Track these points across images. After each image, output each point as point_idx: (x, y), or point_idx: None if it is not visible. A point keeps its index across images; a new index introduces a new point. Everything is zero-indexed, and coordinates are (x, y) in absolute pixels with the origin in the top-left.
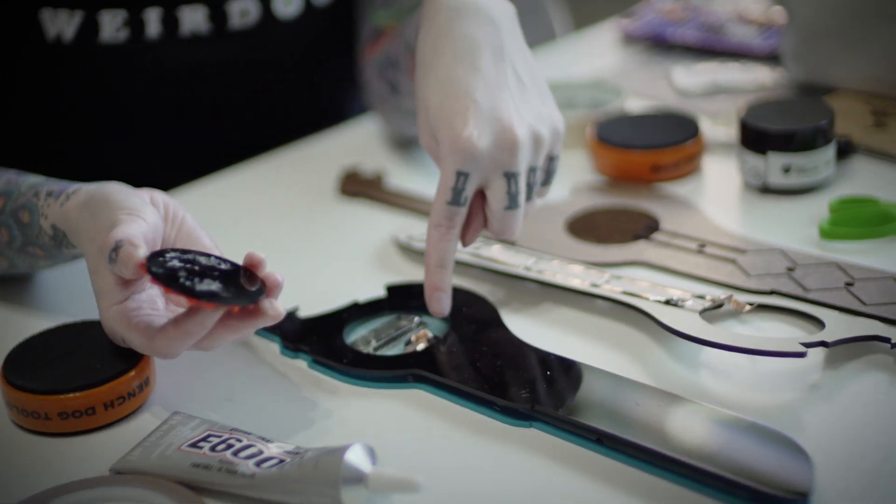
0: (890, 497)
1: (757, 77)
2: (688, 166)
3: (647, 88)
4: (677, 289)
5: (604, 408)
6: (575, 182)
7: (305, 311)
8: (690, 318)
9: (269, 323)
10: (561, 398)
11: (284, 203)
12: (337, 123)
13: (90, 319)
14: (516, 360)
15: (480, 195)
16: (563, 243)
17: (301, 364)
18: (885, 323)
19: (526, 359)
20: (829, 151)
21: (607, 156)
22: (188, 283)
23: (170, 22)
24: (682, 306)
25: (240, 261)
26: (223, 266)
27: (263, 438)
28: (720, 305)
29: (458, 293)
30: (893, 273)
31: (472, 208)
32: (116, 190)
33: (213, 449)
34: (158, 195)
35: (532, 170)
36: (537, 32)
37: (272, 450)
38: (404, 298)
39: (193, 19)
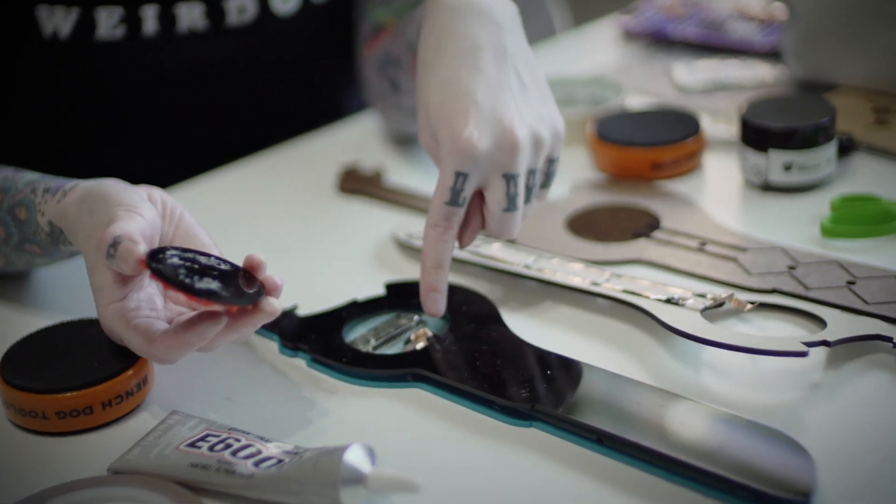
0: (892, 497)
1: (758, 74)
2: (688, 164)
3: (648, 85)
4: (678, 287)
5: (604, 407)
6: (575, 179)
7: (304, 310)
8: (691, 316)
9: (267, 320)
10: (561, 397)
11: (283, 201)
12: (336, 120)
13: (88, 318)
14: (516, 359)
15: (479, 196)
16: (563, 241)
17: (300, 363)
18: (887, 322)
19: (526, 358)
20: (831, 149)
21: (607, 153)
22: (188, 280)
23: (167, 19)
24: (682, 305)
25: (239, 261)
26: (222, 266)
27: (262, 438)
28: (721, 304)
29: (457, 291)
30: (895, 271)
31: (471, 209)
32: (113, 186)
33: (211, 449)
34: (156, 192)
35: (531, 172)
36: (537, 29)
37: (271, 450)
38: (403, 297)
39: (190, 16)
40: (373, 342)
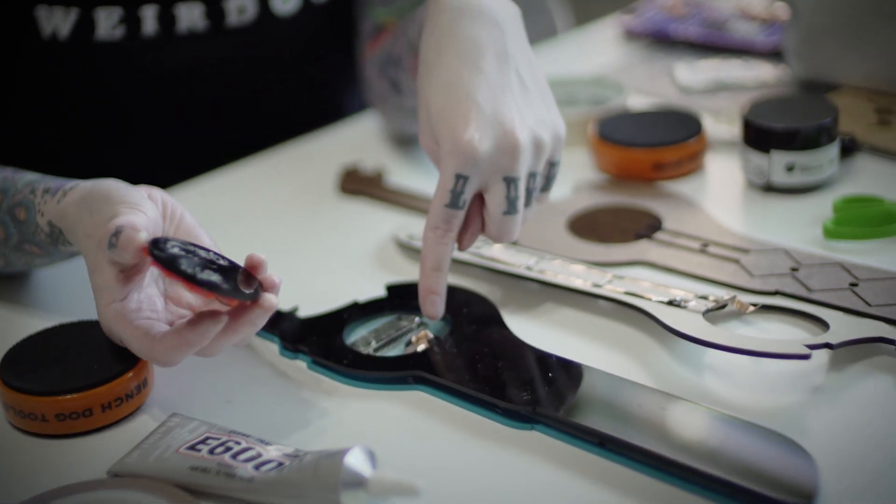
0: (895, 500)
1: (760, 74)
2: (690, 164)
3: (649, 85)
4: (680, 289)
5: (606, 410)
6: (576, 180)
7: (305, 311)
8: (693, 319)
9: (266, 316)
10: (562, 400)
11: (283, 201)
12: (336, 121)
13: (88, 319)
14: (517, 362)
15: (479, 199)
16: (564, 242)
17: (300, 365)
18: (890, 324)
19: (527, 360)
20: (833, 150)
21: (609, 154)
22: (190, 270)
23: (166, 19)
24: (684, 307)
25: (240, 260)
26: (221, 262)
27: (262, 441)
28: (723, 306)
29: (458, 293)
30: None
31: (471, 212)
32: (114, 186)
33: (211, 452)
34: (156, 192)
35: (532, 175)
36: (539, 28)
37: (271, 452)
38: (405, 298)
39: (190, 17)
40: (374, 344)
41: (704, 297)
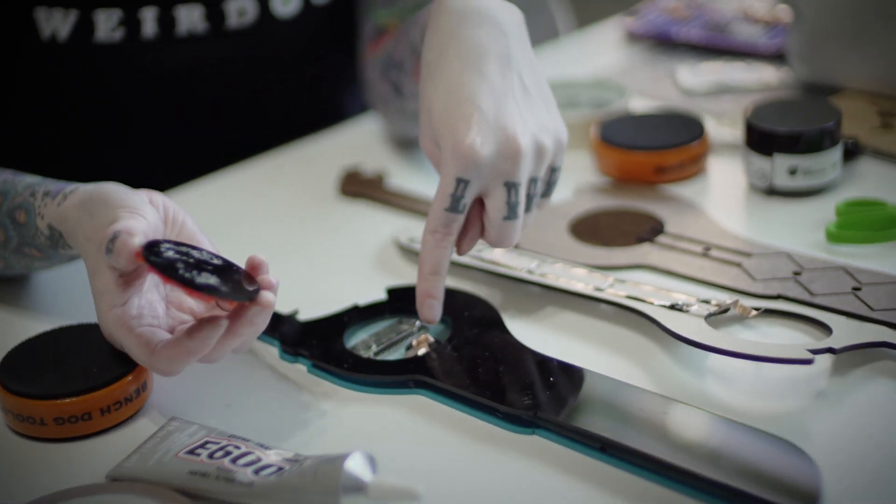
0: None
1: (762, 76)
2: (692, 167)
3: (651, 88)
4: (682, 293)
5: (607, 414)
6: (578, 183)
7: (305, 314)
8: (695, 323)
9: (265, 315)
10: (564, 404)
11: (284, 204)
12: (337, 123)
13: (87, 322)
14: (518, 366)
15: (479, 203)
16: (566, 246)
17: (300, 368)
18: (893, 329)
19: (528, 364)
20: (836, 153)
21: (611, 156)
22: (187, 274)
23: (166, 21)
24: (687, 311)
25: (240, 263)
26: (216, 261)
27: (262, 445)
28: (726, 310)
29: (459, 296)
30: None
31: (470, 216)
32: (115, 189)
33: (210, 456)
34: (157, 196)
35: (533, 180)
36: (540, 30)
37: (271, 457)
38: (405, 301)
39: (190, 19)
40: (374, 348)
41: (707, 301)
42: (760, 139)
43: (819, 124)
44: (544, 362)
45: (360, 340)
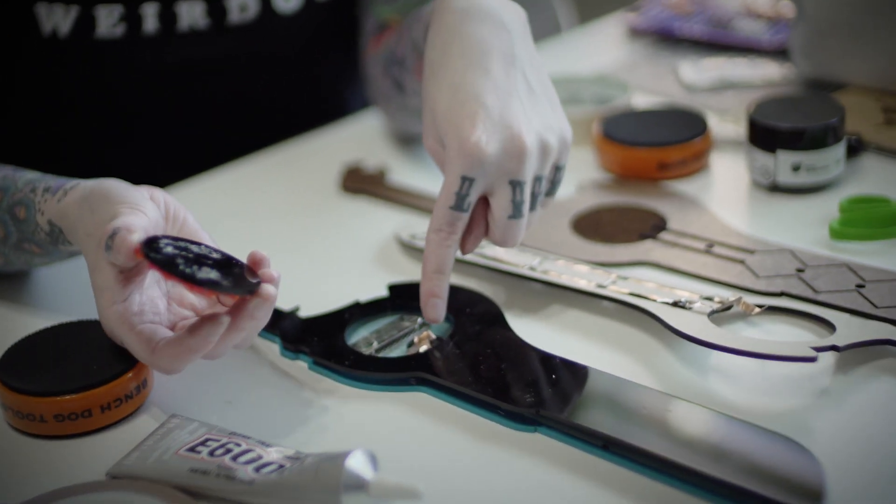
0: None
1: (765, 72)
2: (695, 164)
3: (654, 84)
4: (685, 290)
5: (610, 412)
6: (580, 180)
7: (306, 311)
8: (698, 320)
9: (266, 308)
10: (566, 402)
11: (285, 200)
12: (339, 118)
13: (87, 319)
14: (520, 363)
15: (483, 202)
16: (568, 242)
17: (302, 365)
18: None
19: (530, 361)
20: (840, 149)
21: (613, 153)
22: (188, 269)
23: (167, 17)
24: (689, 308)
25: (242, 258)
26: (215, 255)
27: (263, 443)
28: (729, 307)
29: (461, 293)
30: None
31: (474, 215)
32: (116, 185)
33: (211, 454)
34: (158, 193)
35: (538, 179)
36: (542, 26)
37: (272, 455)
38: (407, 298)
39: (191, 14)
40: (375, 344)
41: (710, 299)
42: (764, 135)
43: (822, 121)
44: (546, 360)
45: (361, 337)
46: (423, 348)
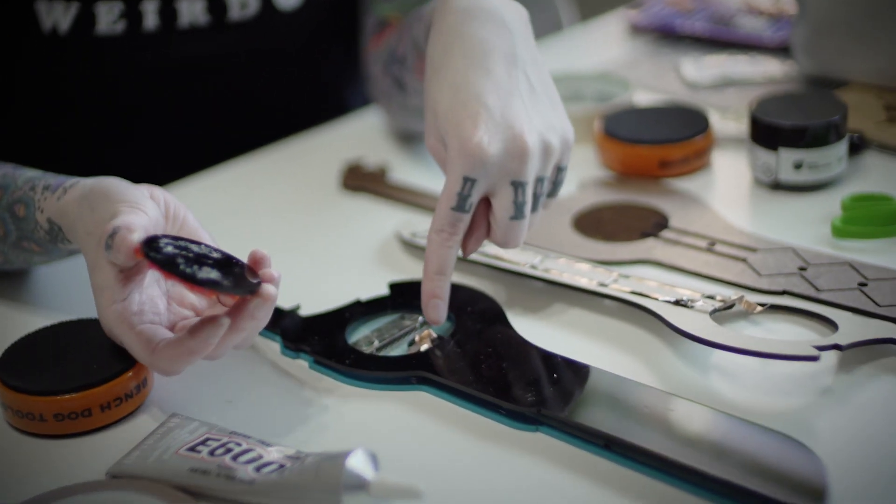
0: None
1: (767, 69)
2: (697, 162)
3: (655, 81)
4: (687, 289)
5: (611, 411)
6: (582, 177)
7: (306, 309)
8: (700, 319)
9: (266, 308)
10: (567, 401)
11: (285, 198)
12: (339, 116)
13: (87, 318)
14: (522, 362)
15: (485, 203)
16: (569, 240)
17: (302, 364)
18: None
19: (532, 360)
20: (842, 147)
21: (614, 150)
22: (188, 269)
23: (167, 14)
24: (691, 307)
25: (242, 258)
26: (215, 255)
27: (263, 442)
28: (731, 306)
29: (462, 291)
30: None
31: (476, 216)
32: (116, 184)
33: (211, 453)
34: (158, 192)
35: (539, 180)
36: (544, 23)
37: (272, 454)
38: (408, 297)
39: (192, 11)
40: (376, 343)
41: (711, 297)
42: (765, 133)
43: (824, 118)
44: (548, 358)
45: (362, 336)
46: (424, 347)
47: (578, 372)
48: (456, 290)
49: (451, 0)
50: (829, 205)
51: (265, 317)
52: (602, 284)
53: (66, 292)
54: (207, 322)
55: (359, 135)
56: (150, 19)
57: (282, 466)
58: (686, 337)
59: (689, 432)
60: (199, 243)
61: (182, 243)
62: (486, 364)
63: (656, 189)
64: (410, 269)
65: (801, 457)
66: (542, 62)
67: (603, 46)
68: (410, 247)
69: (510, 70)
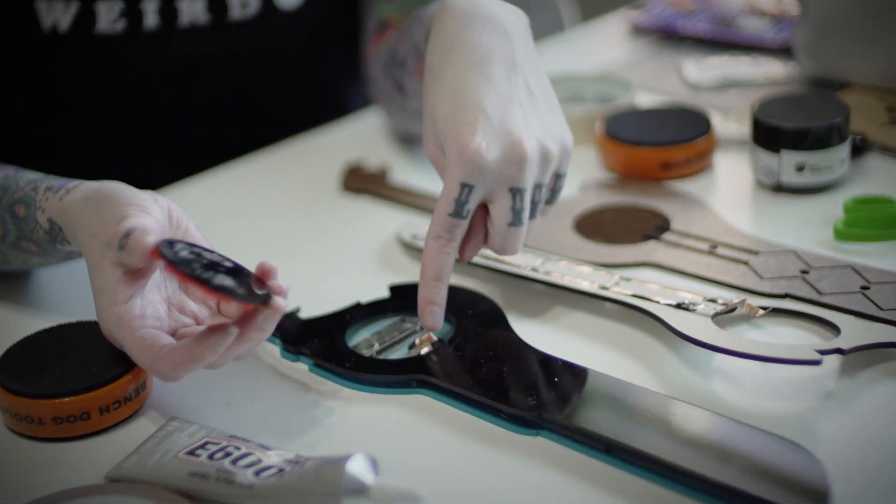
0: None
1: (769, 71)
2: (699, 163)
3: (657, 82)
4: (688, 292)
5: (612, 415)
6: (583, 179)
7: (307, 312)
8: (702, 322)
9: (274, 319)
10: (568, 405)
11: (285, 199)
12: (340, 117)
13: (86, 320)
14: (522, 365)
15: (483, 209)
16: (570, 243)
17: (302, 367)
18: None
19: (532, 364)
20: (844, 149)
21: (616, 152)
22: (205, 274)
23: (168, 13)
24: (693, 310)
25: (242, 261)
26: (227, 264)
27: (263, 446)
28: (732, 309)
29: (463, 294)
30: None
31: (474, 223)
32: (121, 187)
33: (211, 457)
34: (163, 199)
35: (538, 186)
36: (545, 24)
37: (272, 458)
38: (408, 299)
39: (192, 10)
40: (376, 346)
41: (713, 301)
42: (767, 135)
43: (827, 120)
44: (548, 362)
45: (362, 339)
46: (424, 350)
47: (579, 375)
48: (456, 292)
49: (451, 5)
50: (831, 207)
51: (270, 328)
52: (603, 287)
53: (65, 295)
54: (216, 330)
55: (359, 136)
56: (151, 18)
57: (281, 471)
58: (688, 341)
59: (691, 436)
60: (211, 251)
61: (197, 249)
62: (487, 367)
63: (658, 191)
64: (411, 272)
65: (803, 461)
66: (541, 68)
67: (604, 47)
68: (411, 249)
69: (510, 76)
